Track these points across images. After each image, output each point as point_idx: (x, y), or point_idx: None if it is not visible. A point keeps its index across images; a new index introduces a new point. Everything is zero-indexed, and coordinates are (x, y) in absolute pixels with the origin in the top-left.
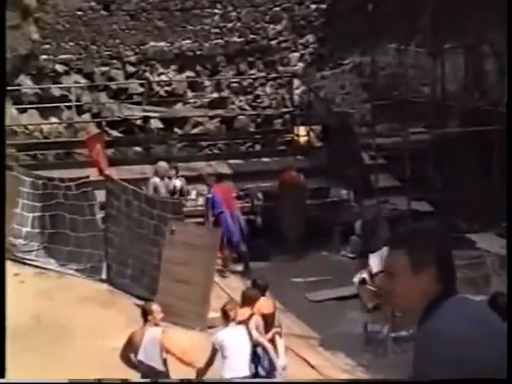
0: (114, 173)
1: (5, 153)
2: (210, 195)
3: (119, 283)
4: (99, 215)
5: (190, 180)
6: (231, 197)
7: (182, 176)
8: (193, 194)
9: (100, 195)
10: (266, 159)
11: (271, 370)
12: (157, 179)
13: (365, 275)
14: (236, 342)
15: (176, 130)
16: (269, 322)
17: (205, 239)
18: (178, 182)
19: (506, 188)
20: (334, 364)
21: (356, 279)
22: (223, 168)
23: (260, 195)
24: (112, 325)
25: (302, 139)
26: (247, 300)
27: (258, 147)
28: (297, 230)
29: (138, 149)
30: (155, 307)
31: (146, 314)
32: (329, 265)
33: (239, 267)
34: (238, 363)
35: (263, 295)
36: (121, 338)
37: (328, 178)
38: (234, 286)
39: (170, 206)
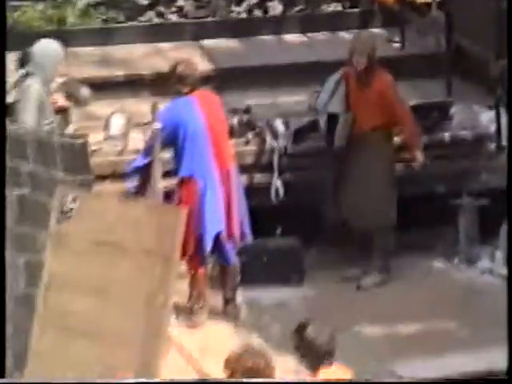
0: None
1: (5, 153)
2: (160, 118)
3: None
4: None
5: (102, 88)
6: (221, 126)
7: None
8: (114, 124)
9: None
10: (295, 36)
11: None
12: (36, 86)
13: None
14: None
15: None
16: None
17: (147, 233)
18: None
19: (507, 190)
20: None
21: None
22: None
23: (281, 127)
24: None
25: None
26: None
27: (278, 5)
28: (378, 211)
29: None
30: None
31: None
32: (451, 294)
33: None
34: None
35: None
36: None
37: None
38: (215, 344)
39: (68, 154)
